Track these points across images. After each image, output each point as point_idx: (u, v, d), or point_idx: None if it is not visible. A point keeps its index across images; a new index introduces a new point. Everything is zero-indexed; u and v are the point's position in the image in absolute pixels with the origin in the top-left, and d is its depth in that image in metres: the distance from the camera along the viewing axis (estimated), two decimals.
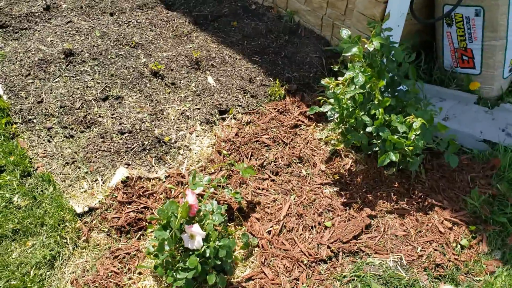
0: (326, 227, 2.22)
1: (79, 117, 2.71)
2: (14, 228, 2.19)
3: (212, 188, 2.25)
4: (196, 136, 2.64)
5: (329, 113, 2.36)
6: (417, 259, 2.08)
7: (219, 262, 1.95)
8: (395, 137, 2.18)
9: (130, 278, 2.03)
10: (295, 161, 2.53)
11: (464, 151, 2.60)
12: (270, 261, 2.09)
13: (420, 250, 2.11)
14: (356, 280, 2.02)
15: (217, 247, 1.91)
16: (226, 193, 2.24)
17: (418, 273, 2.04)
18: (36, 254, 2.10)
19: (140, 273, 2.05)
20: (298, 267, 2.07)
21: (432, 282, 2.01)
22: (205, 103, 2.81)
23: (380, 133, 2.23)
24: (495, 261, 2.08)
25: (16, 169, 2.43)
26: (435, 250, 2.11)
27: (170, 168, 2.47)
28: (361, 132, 2.33)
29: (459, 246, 2.13)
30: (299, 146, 2.60)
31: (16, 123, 2.71)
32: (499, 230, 2.18)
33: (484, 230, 2.18)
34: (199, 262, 1.87)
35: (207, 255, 1.89)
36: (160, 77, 2.98)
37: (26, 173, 2.43)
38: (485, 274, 2.04)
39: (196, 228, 1.88)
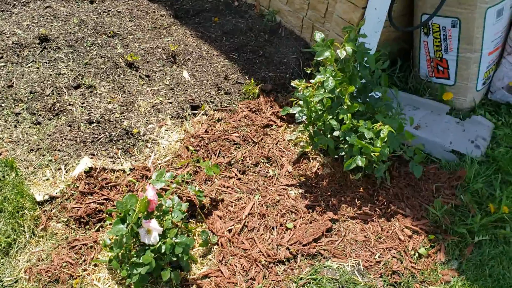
0: (287, 229, 2.22)
1: (48, 104, 2.67)
2: None
3: (176, 184, 2.23)
4: (166, 130, 2.62)
5: (297, 115, 2.36)
6: (375, 265, 2.09)
7: (175, 259, 1.94)
8: (363, 142, 2.18)
9: (85, 270, 2.01)
10: (263, 161, 2.52)
11: (433, 160, 2.62)
12: (228, 260, 2.08)
13: (378, 256, 2.12)
14: (312, 283, 2.03)
15: (173, 244, 1.90)
16: (189, 189, 2.23)
17: (374, 279, 2.05)
18: None
19: (95, 265, 2.03)
20: (255, 267, 2.06)
21: None
22: (178, 97, 2.79)
23: (347, 138, 2.23)
24: (451, 271, 2.10)
25: None
26: (393, 257, 2.12)
27: (136, 161, 2.45)
28: (328, 135, 2.33)
29: (417, 254, 2.14)
30: (268, 146, 2.59)
31: None
32: (458, 241, 2.20)
33: (443, 239, 2.20)
34: (154, 257, 1.86)
35: (163, 251, 1.88)
36: (135, 69, 2.95)
37: None
38: (440, 283, 2.06)
39: (153, 224, 1.87)
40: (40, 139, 2.50)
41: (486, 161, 2.58)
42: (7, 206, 2.18)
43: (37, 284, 1.95)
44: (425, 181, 2.45)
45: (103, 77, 2.88)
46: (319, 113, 2.29)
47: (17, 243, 2.10)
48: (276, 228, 2.22)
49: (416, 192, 2.39)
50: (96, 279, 1.98)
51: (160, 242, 1.88)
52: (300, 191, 2.40)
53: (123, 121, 2.61)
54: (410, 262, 2.11)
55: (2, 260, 2.04)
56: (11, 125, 2.58)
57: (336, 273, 2.07)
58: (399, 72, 3.06)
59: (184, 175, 2.29)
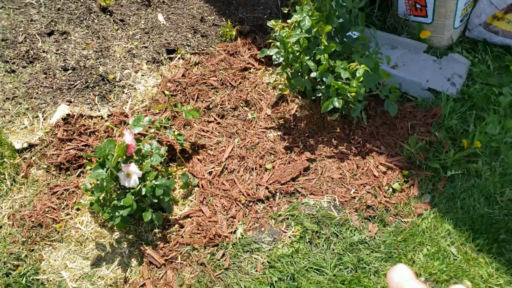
0: (266, 169, 2.27)
1: (22, 51, 2.61)
2: None
3: (154, 129, 2.24)
4: (142, 75, 2.59)
5: (274, 56, 2.34)
6: (350, 201, 2.17)
7: (157, 201, 1.99)
8: (339, 83, 2.20)
9: (67, 214, 2.05)
10: (241, 104, 2.53)
11: (409, 99, 2.65)
12: (209, 200, 2.14)
13: (354, 192, 2.20)
14: (290, 218, 2.10)
15: (153, 186, 1.94)
16: (168, 134, 2.24)
17: (349, 214, 2.13)
18: None
19: (78, 209, 2.08)
20: (235, 206, 2.12)
21: (362, 222, 2.11)
22: (153, 41, 2.74)
23: (324, 79, 2.24)
24: (424, 204, 2.19)
25: None
26: (368, 192, 2.20)
27: (113, 107, 2.44)
28: (306, 77, 2.33)
29: (391, 189, 2.22)
30: (247, 89, 2.59)
31: None
32: (431, 176, 2.28)
33: (417, 175, 2.27)
34: (135, 200, 1.90)
35: (143, 193, 1.92)
36: (108, 13, 2.87)
37: None
38: (413, 216, 2.15)
39: (132, 167, 1.90)
40: (16, 88, 2.47)
41: (462, 98, 2.62)
42: None
43: (21, 229, 2.00)
44: (400, 119, 2.49)
45: (76, 22, 2.81)
46: (296, 54, 2.28)
47: None
48: (256, 169, 2.27)
49: (391, 130, 2.44)
50: (79, 222, 2.03)
51: (140, 185, 1.91)
52: (279, 133, 2.43)
53: (99, 67, 2.57)
54: (384, 197, 2.19)
55: None
56: None
57: (313, 209, 2.14)
58: (378, 11, 3.03)
59: (162, 120, 2.30)
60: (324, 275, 1.94)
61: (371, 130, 2.42)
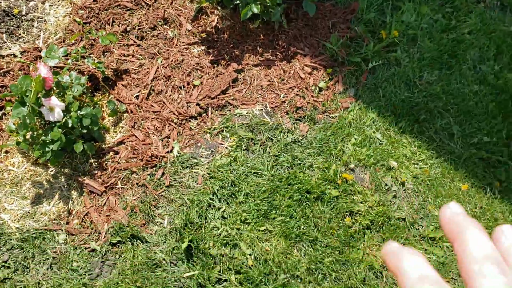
0: (194, 86, 2.26)
1: None
2: None
3: (71, 60, 2.15)
4: (50, 5, 2.43)
5: None
6: (280, 105, 2.23)
7: (86, 131, 1.96)
8: None
9: None
10: (160, 23, 2.46)
11: None
12: (140, 124, 2.14)
13: (283, 97, 2.25)
14: (226, 130, 2.15)
15: (79, 116, 1.90)
16: (87, 63, 2.16)
17: (281, 117, 2.20)
18: None
19: (7, 152, 2.02)
20: (168, 126, 2.14)
21: (294, 123, 2.19)
22: None
23: None
24: (349, 98, 2.28)
25: None
26: (296, 95, 2.26)
27: (24, 43, 2.30)
28: None
29: (317, 88, 2.29)
30: (163, 7, 2.50)
31: None
32: (354, 70, 2.36)
33: (341, 71, 2.35)
34: (63, 133, 1.87)
35: (70, 125, 1.88)
36: None
37: None
38: (340, 110, 2.25)
39: (53, 100, 1.84)
40: None
41: None
42: None
43: None
44: (321, 19, 2.51)
45: None
46: None
47: None
48: (184, 87, 2.26)
49: (313, 31, 2.47)
50: (10, 164, 1.99)
51: (65, 117, 1.87)
52: (203, 47, 2.40)
53: (0, 2, 2.38)
54: (312, 96, 2.26)
55: None
56: None
57: (246, 118, 2.19)
58: None
59: (78, 50, 2.21)
60: (263, 176, 2.03)
61: (294, 33, 2.43)
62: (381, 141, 2.17)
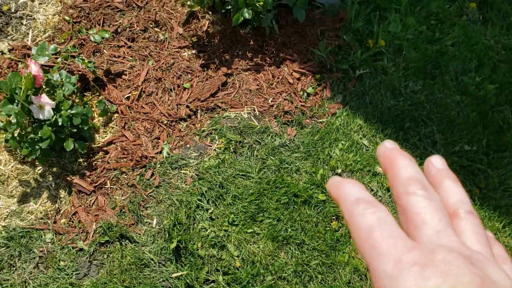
0: (185, 88, 2.28)
1: None
2: None
3: (61, 59, 2.15)
4: (40, 3, 2.42)
5: None
6: (268, 109, 2.26)
7: (76, 130, 1.96)
8: None
9: None
10: (151, 25, 2.47)
11: (317, 6, 2.71)
12: (131, 125, 2.14)
13: (271, 101, 2.29)
14: (214, 133, 2.17)
15: (70, 115, 1.90)
16: (77, 62, 2.16)
17: (269, 121, 2.23)
18: None
19: None
20: (158, 127, 2.15)
21: (281, 127, 2.22)
22: None
23: None
24: (336, 104, 2.33)
25: None
26: (285, 99, 2.30)
27: (13, 40, 2.29)
28: None
29: (305, 94, 2.33)
30: (154, 9, 2.51)
31: None
32: (341, 77, 2.41)
33: (329, 77, 2.40)
34: (53, 131, 1.86)
35: (60, 123, 1.88)
36: None
37: None
38: (327, 116, 2.29)
39: (44, 98, 1.84)
40: None
41: (366, 1, 2.72)
42: None
43: None
44: (310, 27, 2.56)
45: None
46: None
47: None
48: (174, 89, 2.28)
49: (302, 38, 2.51)
50: None
51: (55, 116, 1.87)
52: (193, 51, 2.42)
53: None
54: (300, 101, 2.30)
55: None
56: None
57: (235, 121, 2.22)
58: None
59: (68, 49, 2.20)
60: (250, 179, 2.06)
61: (283, 40, 2.48)
62: (367, 147, 2.22)
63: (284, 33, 2.51)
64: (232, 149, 2.13)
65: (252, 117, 2.24)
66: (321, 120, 2.28)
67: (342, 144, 2.20)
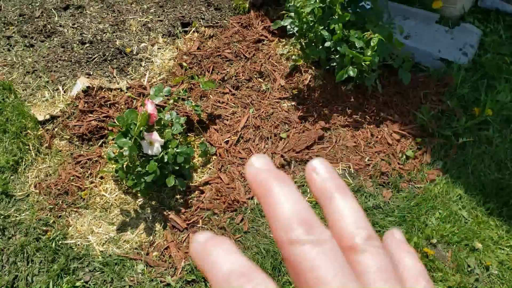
0: (281, 138, 2.33)
1: (39, 26, 2.66)
2: None
3: (172, 100, 2.30)
4: (158, 48, 2.64)
5: (288, 27, 2.37)
6: (364, 168, 2.23)
7: (178, 168, 2.06)
8: (354, 51, 2.23)
9: (91, 182, 2.13)
10: (255, 76, 2.58)
11: (422, 69, 2.68)
12: (227, 168, 2.21)
13: (368, 160, 2.26)
14: (306, 185, 2.17)
15: (175, 153, 2.00)
16: (186, 105, 2.30)
17: (364, 180, 2.19)
18: None
19: (102, 178, 2.15)
20: None
21: (376, 188, 2.17)
22: (167, 15, 2.78)
23: (338, 48, 2.27)
24: (436, 171, 2.24)
25: None
26: (382, 160, 2.25)
27: (131, 79, 2.49)
28: (320, 47, 2.37)
29: (404, 156, 2.27)
30: (260, 61, 2.63)
31: None
32: (443, 143, 2.33)
33: (430, 142, 2.32)
34: (158, 167, 1.97)
35: (166, 160, 1.99)
36: None
37: None
38: (426, 182, 2.21)
39: (155, 136, 1.96)
40: (35, 61, 2.52)
41: (473, 68, 2.65)
42: (10, 127, 2.26)
43: (48, 197, 2.08)
44: (413, 89, 2.53)
45: None
46: (310, 24, 2.31)
47: (24, 161, 2.20)
48: (271, 138, 2.33)
49: (404, 99, 2.48)
50: (103, 190, 2.11)
51: (162, 153, 1.98)
52: (293, 103, 2.48)
53: (116, 41, 2.62)
54: (398, 164, 2.25)
55: (12, 177, 2.15)
56: (4, 49, 2.59)
57: None
58: None
59: (180, 92, 2.36)
60: None
61: (385, 99, 2.46)
62: (466, 219, 2.10)
63: (386, 93, 2.50)
64: None
65: (346, 174, 2.22)
66: (418, 186, 2.20)
67: (439, 213, 2.10)
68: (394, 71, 2.58)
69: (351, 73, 2.23)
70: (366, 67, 2.26)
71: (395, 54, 2.53)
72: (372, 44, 2.20)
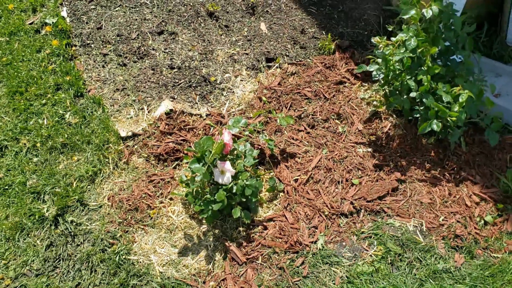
0: (353, 184, 2.27)
1: (134, 47, 2.83)
2: (63, 142, 2.38)
3: (248, 132, 2.33)
4: (241, 80, 2.70)
5: (374, 72, 2.34)
6: (438, 228, 2.11)
7: (244, 200, 2.06)
8: (441, 105, 2.15)
9: (161, 202, 2.18)
10: (333, 117, 2.55)
11: (510, 130, 2.52)
12: (293, 207, 2.18)
13: (442, 220, 2.13)
14: (374, 237, 2.08)
15: (244, 185, 2.01)
16: (260, 138, 2.32)
17: (436, 241, 2.07)
18: (80, 168, 2.29)
19: (171, 199, 2.20)
20: (318, 217, 2.14)
21: (448, 251, 2.04)
22: (254, 49, 2.85)
23: (424, 100, 2.20)
24: None
25: (70, 89, 2.61)
26: (458, 221, 2.12)
27: (212, 107, 2.56)
28: (405, 96, 2.31)
29: (482, 221, 2.13)
30: (340, 103, 2.61)
31: (75, 45, 2.87)
32: None
33: None
34: (226, 196, 1.99)
35: (234, 191, 2.00)
36: (215, 18, 3.03)
37: (79, 94, 2.61)
38: (504, 252, 2.05)
39: (227, 165, 1.99)
40: (126, 80, 2.67)
41: None
42: (94, 139, 2.39)
43: (119, 211, 2.16)
44: (499, 151, 2.38)
45: (184, 24, 2.99)
46: (397, 72, 2.27)
47: (102, 172, 2.30)
48: (342, 182, 2.28)
49: (488, 160, 2.34)
50: (171, 211, 2.16)
51: (232, 183, 2.00)
52: (369, 149, 2.42)
53: (202, 69, 2.72)
54: (475, 228, 2.10)
55: (89, 187, 2.26)
56: (99, 65, 2.77)
57: (398, 231, 2.11)
58: (485, 37, 2.92)
59: (256, 124, 2.38)
60: None
61: (467, 158, 2.33)
62: None
63: (469, 151, 2.37)
64: (390, 260, 2.01)
65: (417, 231, 2.11)
66: (495, 255, 2.04)
67: None
68: (480, 130, 2.45)
69: (435, 127, 2.15)
70: (451, 123, 2.17)
71: (484, 112, 2.41)
72: (460, 100, 2.11)
